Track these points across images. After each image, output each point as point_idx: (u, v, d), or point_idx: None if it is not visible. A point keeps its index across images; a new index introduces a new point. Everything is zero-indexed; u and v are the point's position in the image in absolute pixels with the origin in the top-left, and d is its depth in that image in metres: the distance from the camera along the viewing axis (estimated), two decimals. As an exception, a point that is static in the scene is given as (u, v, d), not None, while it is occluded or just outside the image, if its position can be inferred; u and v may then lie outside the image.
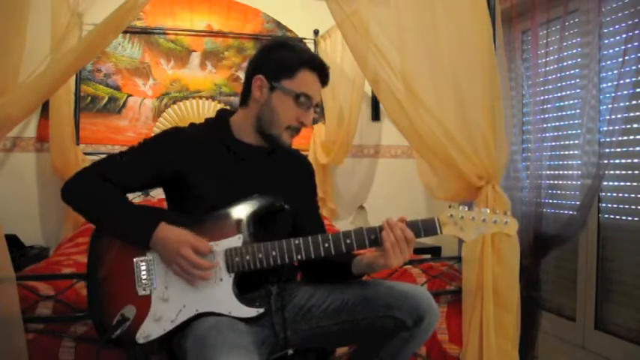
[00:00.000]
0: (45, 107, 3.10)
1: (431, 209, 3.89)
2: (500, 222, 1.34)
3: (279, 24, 3.74)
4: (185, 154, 1.36)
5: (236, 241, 1.30)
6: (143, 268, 1.29)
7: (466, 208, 1.33)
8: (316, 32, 3.76)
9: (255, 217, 1.33)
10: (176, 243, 1.25)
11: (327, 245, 1.28)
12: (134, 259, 1.30)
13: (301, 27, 3.76)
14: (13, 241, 2.87)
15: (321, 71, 1.40)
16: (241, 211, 1.33)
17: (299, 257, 1.28)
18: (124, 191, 1.36)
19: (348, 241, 1.28)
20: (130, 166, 1.36)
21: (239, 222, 1.32)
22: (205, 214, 1.33)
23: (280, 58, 1.38)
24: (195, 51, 3.58)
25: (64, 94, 2.98)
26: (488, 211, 1.35)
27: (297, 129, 1.41)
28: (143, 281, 1.29)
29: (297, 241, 1.28)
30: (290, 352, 1.39)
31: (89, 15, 2.86)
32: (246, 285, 1.34)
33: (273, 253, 1.28)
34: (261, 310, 1.29)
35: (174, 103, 3.54)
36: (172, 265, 1.27)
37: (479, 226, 1.33)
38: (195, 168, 1.36)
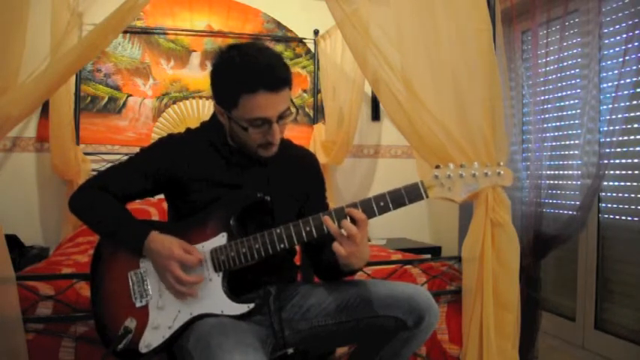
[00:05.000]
0: (45, 107, 3.10)
1: (432, 209, 3.89)
2: (492, 174, 1.23)
3: (279, 24, 3.74)
4: (180, 160, 1.37)
5: (220, 239, 1.31)
6: (137, 280, 1.33)
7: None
8: (316, 32, 3.76)
9: (236, 213, 1.33)
10: (164, 259, 1.27)
11: (308, 229, 1.26)
12: (128, 273, 1.34)
13: (301, 27, 3.76)
14: (13, 241, 2.87)
15: (265, 84, 1.23)
16: (222, 208, 1.34)
17: (282, 246, 1.27)
18: (125, 200, 1.40)
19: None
20: (128, 176, 1.39)
21: (221, 220, 1.32)
22: (192, 218, 1.35)
23: (221, 88, 1.31)
24: (195, 51, 3.58)
25: (64, 94, 2.98)
26: (477, 164, 1.24)
27: (268, 144, 1.33)
28: (138, 293, 1.32)
29: (278, 230, 1.28)
30: (290, 351, 1.40)
31: (89, 15, 2.86)
32: (246, 286, 1.35)
33: (257, 246, 1.28)
34: (252, 306, 1.29)
35: (174, 103, 3.55)
36: (163, 279, 1.31)
37: (469, 183, 1.22)
38: (191, 173, 1.37)
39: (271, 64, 1.26)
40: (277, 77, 1.25)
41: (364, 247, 1.25)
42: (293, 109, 1.33)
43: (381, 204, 1.25)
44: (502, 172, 1.24)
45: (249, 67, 1.24)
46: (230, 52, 1.29)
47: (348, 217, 1.22)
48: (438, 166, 1.26)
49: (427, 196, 1.24)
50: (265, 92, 1.24)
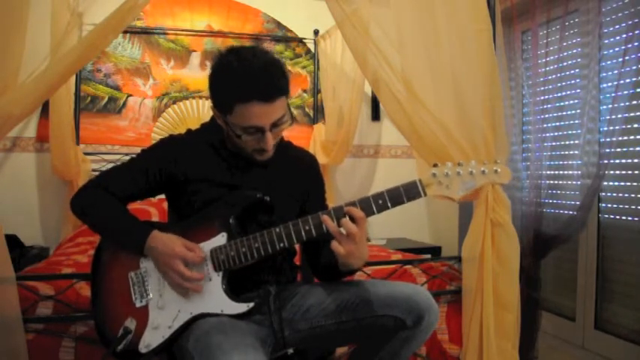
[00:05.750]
0: (45, 107, 3.10)
1: (431, 209, 3.89)
2: (489, 172, 1.24)
3: (279, 24, 3.74)
4: (181, 161, 1.38)
5: (220, 239, 1.31)
6: (137, 280, 1.33)
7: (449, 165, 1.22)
8: (316, 32, 3.76)
9: (236, 213, 1.33)
10: (166, 256, 1.28)
11: (307, 228, 1.26)
12: (128, 273, 1.34)
13: (301, 27, 3.77)
14: (13, 241, 2.87)
15: (258, 95, 1.23)
16: (222, 208, 1.34)
17: (281, 245, 1.27)
18: (126, 201, 1.41)
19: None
20: (129, 177, 1.40)
21: (221, 220, 1.32)
22: (192, 218, 1.36)
23: (217, 93, 1.32)
24: (195, 51, 3.58)
25: (64, 94, 2.98)
26: (475, 162, 1.25)
27: (262, 150, 1.34)
28: (139, 293, 1.33)
29: (277, 230, 1.28)
30: (290, 351, 1.40)
31: (89, 15, 2.86)
32: (246, 286, 1.35)
33: (256, 245, 1.28)
34: (251, 305, 1.29)
35: (174, 103, 3.55)
36: (166, 277, 1.31)
37: (466, 181, 1.23)
38: (191, 174, 1.37)
39: (267, 73, 1.25)
40: (272, 88, 1.25)
41: (363, 246, 1.25)
42: (288, 117, 1.32)
43: (380, 202, 1.25)
44: (499, 170, 1.25)
45: (245, 75, 1.24)
46: (228, 57, 1.28)
47: (347, 216, 1.23)
48: (435, 165, 1.26)
49: (425, 194, 1.25)
50: (259, 103, 1.24)
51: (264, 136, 1.29)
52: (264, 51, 1.33)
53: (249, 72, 1.24)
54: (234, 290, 1.32)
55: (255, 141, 1.31)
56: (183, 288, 1.29)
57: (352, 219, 1.22)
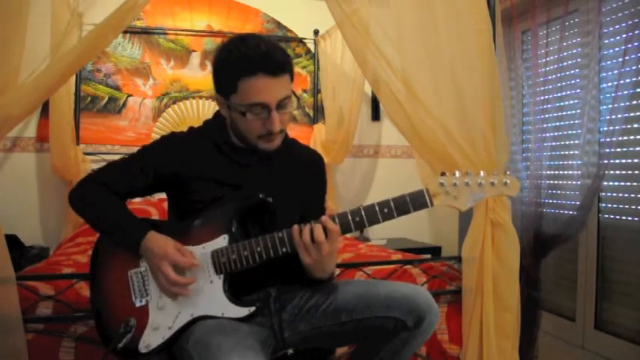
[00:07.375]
0: (45, 107, 3.10)
1: (432, 209, 3.89)
2: (498, 183, 1.22)
3: (279, 24, 3.74)
4: (183, 159, 1.37)
5: (221, 241, 1.31)
6: (137, 279, 1.32)
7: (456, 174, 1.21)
8: (316, 32, 3.76)
9: (238, 214, 1.33)
10: (157, 258, 1.27)
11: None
12: (128, 272, 1.33)
13: (301, 27, 3.76)
14: (13, 241, 2.87)
15: (264, 67, 1.24)
16: (224, 209, 1.33)
17: (284, 250, 1.26)
18: (125, 198, 1.39)
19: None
20: (129, 173, 1.38)
21: (223, 221, 1.32)
22: (194, 218, 1.35)
23: (221, 75, 1.32)
24: (195, 51, 3.58)
25: (64, 94, 2.97)
26: (484, 173, 1.24)
27: (269, 135, 1.32)
28: (138, 292, 1.32)
29: (280, 234, 1.27)
30: (290, 351, 1.39)
31: (89, 15, 2.86)
32: (246, 287, 1.35)
33: (258, 249, 1.27)
34: (253, 309, 1.29)
35: (174, 103, 3.54)
36: (155, 279, 1.30)
37: (475, 192, 1.21)
38: (193, 172, 1.36)
39: (272, 49, 1.27)
40: (277, 62, 1.26)
41: (330, 259, 1.27)
42: (294, 100, 1.32)
43: (385, 210, 1.24)
44: (509, 182, 1.24)
45: (250, 51, 1.26)
46: (232, 42, 1.30)
47: (322, 226, 1.23)
48: (443, 174, 1.25)
49: (432, 204, 1.24)
50: (264, 76, 1.24)
51: (271, 116, 1.28)
52: (267, 36, 1.35)
53: (254, 49, 1.26)
54: (234, 292, 1.31)
55: (261, 123, 1.30)
56: (169, 292, 1.28)
57: (325, 230, 1.23)
